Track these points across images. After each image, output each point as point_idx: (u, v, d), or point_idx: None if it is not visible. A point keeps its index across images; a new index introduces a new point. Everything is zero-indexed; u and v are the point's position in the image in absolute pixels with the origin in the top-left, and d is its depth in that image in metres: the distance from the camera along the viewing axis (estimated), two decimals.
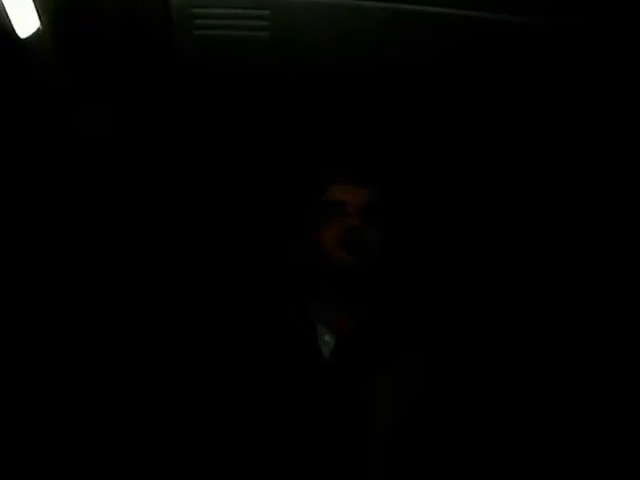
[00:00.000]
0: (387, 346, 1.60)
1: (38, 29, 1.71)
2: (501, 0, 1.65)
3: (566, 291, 1.99)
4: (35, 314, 1.87)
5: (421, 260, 2.06)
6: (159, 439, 1.65)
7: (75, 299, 1.94)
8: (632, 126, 1.94)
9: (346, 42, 1.78)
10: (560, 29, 1.71)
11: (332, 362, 1.57)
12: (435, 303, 1.86)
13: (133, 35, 1.69)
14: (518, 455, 1.75)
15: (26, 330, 1.85)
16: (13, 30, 1.67)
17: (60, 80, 1.85)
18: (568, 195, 2.07)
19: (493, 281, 2.06)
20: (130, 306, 1.97)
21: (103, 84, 1.88)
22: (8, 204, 1.92)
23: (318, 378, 1.55)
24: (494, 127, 2.09)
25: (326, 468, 1.47)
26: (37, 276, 1.93)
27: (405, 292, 1.81)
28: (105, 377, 1.85)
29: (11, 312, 1.84)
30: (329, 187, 1.69)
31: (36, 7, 1.64)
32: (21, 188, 1.95)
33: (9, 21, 1.65)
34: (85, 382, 1.84)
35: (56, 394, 1.82)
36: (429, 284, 1.98)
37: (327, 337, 1.60)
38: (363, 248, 1.61)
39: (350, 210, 1.64)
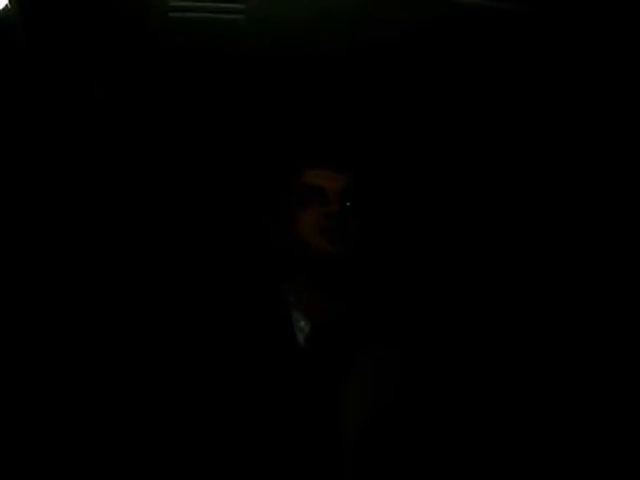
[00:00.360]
0: (364, 334, 1.58)
1: (6, 6, 1.67)
2: None
3: (560, 290, 1.99)
4: (34, 313, 1.86)
5: (399, 248, 2.03)
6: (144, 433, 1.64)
7: (71, 295, 1.91)
8: (629, 120, 1.95)
9: (322, 24, 1.77)
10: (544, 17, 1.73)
11: (307, 348, 1.56)
12: (414, 293, 1.85)
13: (107, 16, 1.65)
14: (500, 449, 1.74)
15: (26, 330, 1.84)
16: None
17: (30, 58, 1.80)
18: (563, 194, 2.07)
19: (475, 271, 2.04)
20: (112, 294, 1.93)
21: (75, 63, 1.83)
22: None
23: (293, 364, 1.53)
24: (471, 108, 2.09)
25: (299, 458, 1.47)
26: (36, 274, 1.90)
27: (383, 281, 1.80)
28: (95, 376, 1.83)
29: (11, 312, 1.83)
30: (306, 171, 1.65)
31: None
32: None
33: None
34: (81, 382, 1.82)
35: (56, 394, 1.81)
36: (407, 274, 1.96)
37: (302, 323, 1.58)
38: (342, 236, 1.58)
39: (329, 196, 1.61)
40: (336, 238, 1.57)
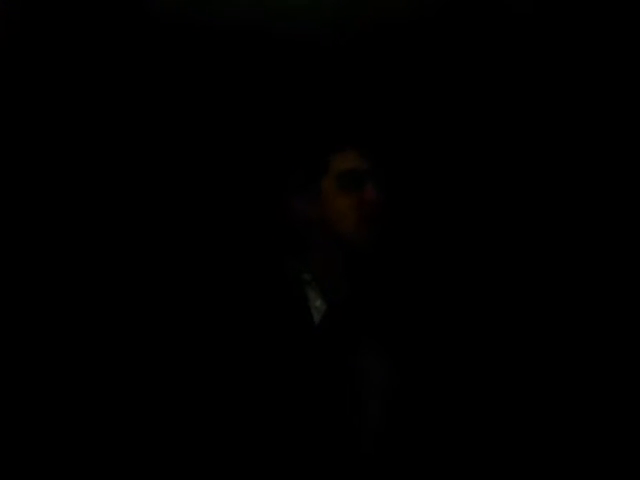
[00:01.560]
0: (379, 320, 1.57)
1: None
2: None
3: (563, 290, 1.96)
4: (34, 313, 1.85)
5: (417, 241, 2.01)
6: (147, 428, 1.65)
7: (73, 296, 1.90)
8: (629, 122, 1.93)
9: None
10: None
11: (322, 327, 1.53)
12: (432, 291, 1.84)
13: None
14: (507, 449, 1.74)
15: (26, 330, 1.83)
16: None
17: (27, 34, 1.75)
18: (560, 194, 2.03)
19: (489, 277, 2.01)
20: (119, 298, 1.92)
21: (73, 39, 1.78)
22: None
23: (309, 342, 1.52)
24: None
25: (317, 445, 1.45)
26: (36, 274, 1.89)
27: (398, 270, 1.78)
28: (99, 377, 1.83)
29: (11, 311, 1.82)
30: (334, 155, 1.61)
31: None
32: None
33: None
34: (84, 382, 1.82)
35: (55, 394, 1.80)
36: (428, 272, 1.95)
37: (318, 302, 1.56)
38: (379, 222, 1.57)
39: (370, 182, 1.58)
40: (374, 224, 1.56)
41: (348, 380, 1.49)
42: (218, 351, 1.52)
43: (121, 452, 1.69)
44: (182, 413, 1.53)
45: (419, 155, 2.06)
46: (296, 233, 1.63)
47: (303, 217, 1.61)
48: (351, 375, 1.49)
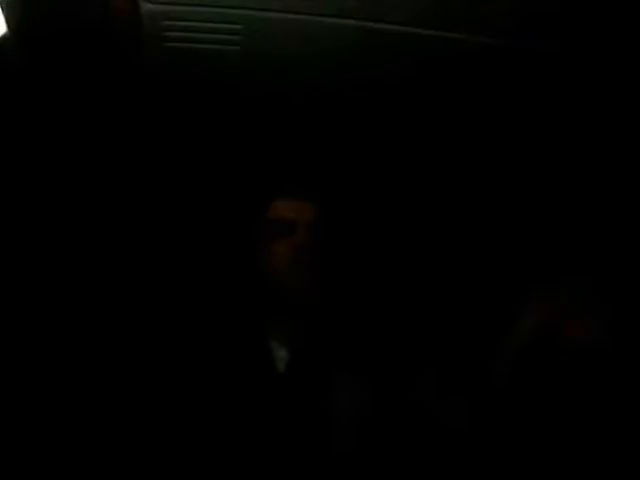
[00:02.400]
0: (342, 357, 1.59)
1: (4, 34, 1.69)
2: (478, 23, 1.65)
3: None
4: (32, 313, 1.87)
5: (372, 275, 2.02)
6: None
7: (70, 295, 1.93)
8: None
9: (318, 60, 1.77)
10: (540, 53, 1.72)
11: (288, 376, 1.56)
12: (389, 320, 1.83)
13: (102, 44, 1.66)
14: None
15: (25, 330, 1.84)
16: None
17: (28, 86, 1.81)
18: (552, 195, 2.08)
19: (451, 302, 2.03)
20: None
21: (72, 92, 1.84)
22: None
23: (274, 392, 1.54)
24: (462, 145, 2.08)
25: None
26: (33, 274, 1.91)
27: (361, 307, 1.78)
28: (91, 379, 1.84)
29: (11, 311, 1.83)
30: (274, 204, 1.65)
31: (3, 12, 1.61)
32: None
33: None
34: (79, 383, 1.83)
35: (54, 394, 1.81)
36: (383, 300, 1.95)
37: (282, 352, 1.58)
38: (316, 266, 1.59)
39: (299, 228, 1.60)
40: (309, 270, 1.58)
41: (320, 420, 1.50)
42: (184, 401, 1.53)
43: (117, 452, 1.70)
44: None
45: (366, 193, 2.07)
46: (253, 290, 1.65)
47: (256, 273, 1.64)
48: (323, 415, 1.50)
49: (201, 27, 1.61)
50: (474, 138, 2.05)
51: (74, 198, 2.01)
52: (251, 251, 1.67)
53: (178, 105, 1.90)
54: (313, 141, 2.03)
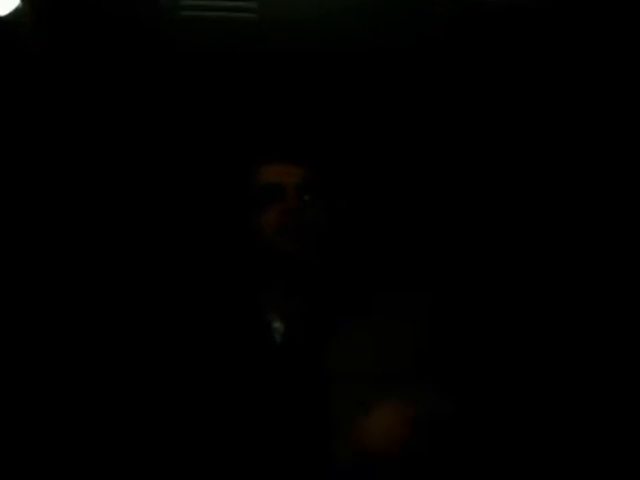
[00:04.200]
0: (336, 324, 1.55)
1: (17, 7, 1.67)
2: None
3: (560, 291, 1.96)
4: (33, 313, 1.86)
5: (364, 241, 1.95)
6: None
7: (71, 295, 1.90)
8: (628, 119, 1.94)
9: (333, 23, 1.76)
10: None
11: (283, 347, 1.54)
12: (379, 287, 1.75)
13: (118, 14, 1.65)
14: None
15: (26, 330, 1.83)
16: None
17: (42, 57, 1.80)
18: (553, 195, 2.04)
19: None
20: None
21: (87, 64, 1.82)
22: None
23: (272, 364, 1.51)
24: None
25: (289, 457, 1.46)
26: (36, 273, 1.90)
27: (349, 275, 1.70)
28: (94, 377, 1.82)
29: (11, 311, 1.83)
30: (262, 168, 1.60)
31: None
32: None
33: None
34: (80, 382, 1.82)
35: (55, 394, 1.80)
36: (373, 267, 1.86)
37: (277, 324, 1.55)
38: (304, 231, 1.54)
39: (287, 192, 1.55)
40: (298, 235, 1.54)
41: (319, 388, 1.47)
42: (181, 376, 1.50)
43: (115, 452, 1.67)
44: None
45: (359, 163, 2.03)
46: (248, 256, 1.61)
47: (248, 241, 1.59)
48: (323, 381, 1.47)
49: None
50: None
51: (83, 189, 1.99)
52: (243, 218, 1.62)
53: (194, 74, 1.88)
54: (308, 105, 2.01)
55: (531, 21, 1.83)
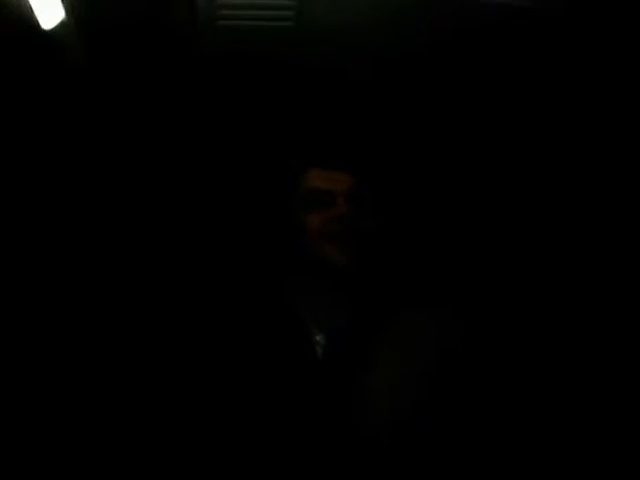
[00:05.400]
0: (380, 341, 1.50)
1: (62, 20, 1.71)
2: None
3: (564, 291, 1.95)
4: (35, 313, 1.87)
5: (411, 252, 1.95)
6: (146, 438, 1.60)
7: (72, 295, 1.92)
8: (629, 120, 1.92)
9: (373, 31, 1.76)
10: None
11: (325, 363, 1.48)
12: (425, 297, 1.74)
13: (157, 25, 1.68)
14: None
15: (26, 330, 1.84)
16: (37, 22, 1.67)
17: (86, 71, 1.84)
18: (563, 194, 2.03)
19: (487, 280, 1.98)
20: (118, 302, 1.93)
21: (126, 74, 1.86)
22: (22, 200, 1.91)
23: (314, 381, 1.46)
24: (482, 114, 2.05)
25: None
26: (37, 273, 1.91)
27: (395, 286, 1.67)
28: (97, 377, 1.83)
29: (11, 311, 1.83)
30: (311, 173, 1.55)
31: None
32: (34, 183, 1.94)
33: (33, 13, 1.65)
34: (83, 382, 1.82)
35: (55, 394, 1.81)
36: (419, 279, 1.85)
37: (319, 337, 1.50)
38: (351, 241, 1.49)
39: (335, 199, 1.51)
40: (344, 244, 1.49)
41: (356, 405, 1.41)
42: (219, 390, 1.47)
43: (119, 452, 1.67)
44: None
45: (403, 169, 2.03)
46: (290, 264, 1.57)
47: (291, 248, 1.56)
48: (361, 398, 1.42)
49: (254, 3, 1.61)
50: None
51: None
52: (286, 225, 1.59)
53: (233, 83, 1.90)
54: (354, 111, 2.01)
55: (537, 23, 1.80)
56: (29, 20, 1.64)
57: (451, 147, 2.09)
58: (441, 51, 1.82)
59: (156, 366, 1.65)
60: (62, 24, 1.72)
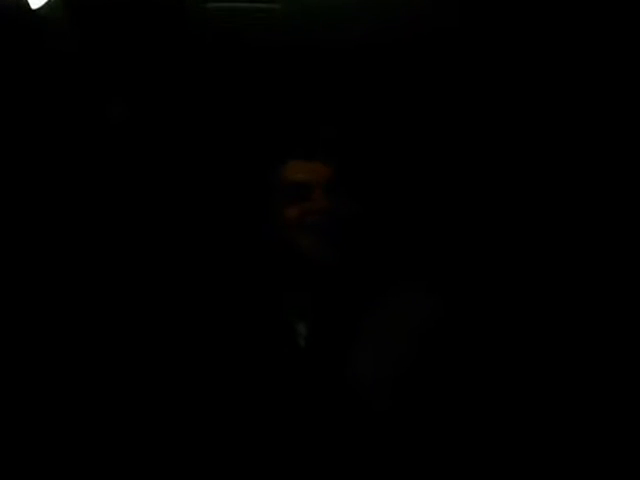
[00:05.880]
0: (360, 326, 1.53)
1: (51, 0, 1.72)
2: None
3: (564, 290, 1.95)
4: (35, 313, 1.86)
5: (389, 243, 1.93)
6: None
7: (74, 296, 1.91)
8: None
9: (358, 13, 1.78)
10: None
11: (307, 350, 1.51)
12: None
13: (147, 6, 1.69)
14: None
15: (26, 330, 1.84)
16: (26, 2, 1.68)
17: (73, 50, 1.85)
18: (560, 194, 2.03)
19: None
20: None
21: (115, 55, 1.87)
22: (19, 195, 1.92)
23: (296, 369, 1.49)
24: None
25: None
26: (37, 273, 1.91)
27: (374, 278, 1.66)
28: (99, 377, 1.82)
29: (11, 311, 1.83)
30: (287, 165, 1.56)
31: None
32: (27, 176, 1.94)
33: None
34: (84, 382, 1.81)
35: (56, 394, 1.80)
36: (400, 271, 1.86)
37: (300, 326, 1.52)
38: (333, 230, 1.50)
39: (314, 191, 1.51)
40: (321, 236, 1.50)
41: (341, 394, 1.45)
42: (203, 378, 1.50)
43: (121, 452, 1.68)
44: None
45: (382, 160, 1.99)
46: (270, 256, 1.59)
47: (270, 240, 1.58)
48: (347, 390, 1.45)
49: None
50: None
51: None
52: (264, 216, 1.61)
53: (220, 64, 1.91)
54: (335, 98, 2.02)
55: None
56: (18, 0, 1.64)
57: (434, 135, 2.10)
58: (431, 34, 1.84)
59: (144, 359, 1.68)
60: (50, 4, 1.73)
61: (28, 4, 1.69)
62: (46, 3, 1.72)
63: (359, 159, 1.72)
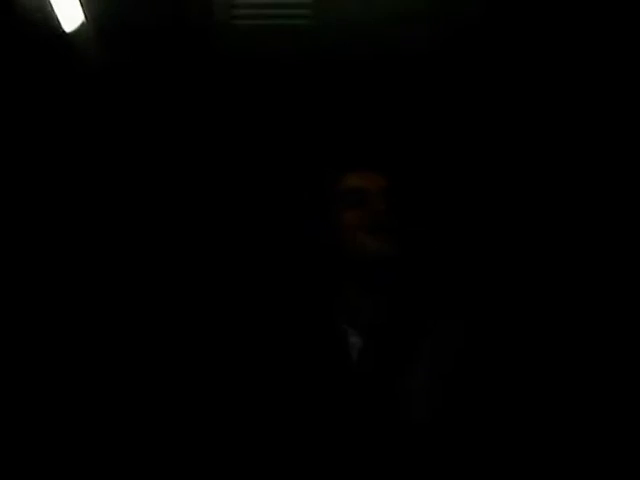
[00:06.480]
0: (416, 343, 1.52)
1: (82, 22, 1.74)
2: None
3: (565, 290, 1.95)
4: (35, 313, 1.89)
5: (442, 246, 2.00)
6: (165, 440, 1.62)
7: (75, 297, 1.94)
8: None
9: (388, 28, 1.76)
10: None
11: (361, 365, 1.49)
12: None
13: (174, 25, 1.70)
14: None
15: (26, 330, 1.86)
16: (59, 24, 1.70)
17: (104, 72, 1.87)
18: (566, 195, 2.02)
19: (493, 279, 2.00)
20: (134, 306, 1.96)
21: (145, 75, 1.89)
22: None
23: (349, 384, 1.48)
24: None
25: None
26: (38, 273, 1.93)
27: (429, 280, 1.75)
28: (106, 377, 1.85)
29: (11, 311, 1.85)
30: (346, 174, 1.60)
31: (80, 1, 1.66)
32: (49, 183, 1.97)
33: (55, 15, 1.68)
34: (85, 382, 1.84)
35: (56, 394, 1.83)
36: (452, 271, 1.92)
37: (354, 339, 1.51)
38: (392, 233, 1.53)
39: (371, 197, 1.56)
40: (380, 236, 1.52)
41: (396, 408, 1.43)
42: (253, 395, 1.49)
43: (121, 452, 1.68)
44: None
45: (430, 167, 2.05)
46: (326, 264, 1.60)
47: (329, 246, 1.59)
48: (399, 401, 1.44)
49: (270, 2, 1.63)
50: None
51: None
52: (323, 222, 1.62)
53: (251, 82, 1.91)
54: (381, 115, 2.03)
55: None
56: (50, 22, 1.67)
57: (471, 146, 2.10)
58: (457, 47, 1.82)
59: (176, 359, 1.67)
60: (81, 25, 1.75)
61: (60, 27, 1.72)
62: (79, 26, 1.75)
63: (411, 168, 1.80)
